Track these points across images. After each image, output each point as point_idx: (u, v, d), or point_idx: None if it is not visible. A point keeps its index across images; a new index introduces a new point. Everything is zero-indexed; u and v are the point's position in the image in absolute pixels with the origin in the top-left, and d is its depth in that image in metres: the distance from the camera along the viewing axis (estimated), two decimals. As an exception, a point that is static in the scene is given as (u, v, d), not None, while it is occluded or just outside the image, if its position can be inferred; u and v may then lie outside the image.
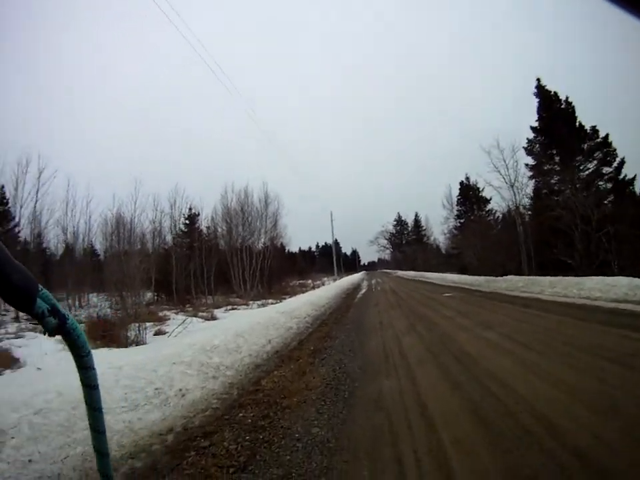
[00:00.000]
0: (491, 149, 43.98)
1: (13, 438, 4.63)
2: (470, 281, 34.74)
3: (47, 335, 0.96)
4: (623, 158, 36.29)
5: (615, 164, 36.60)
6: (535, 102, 42.48)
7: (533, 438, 4.18)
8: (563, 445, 4.00)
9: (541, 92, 41.90)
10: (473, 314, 14.49)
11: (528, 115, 47.03)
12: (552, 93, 41.28)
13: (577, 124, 38.77)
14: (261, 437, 5.02)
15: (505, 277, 29.33)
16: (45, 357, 11.82)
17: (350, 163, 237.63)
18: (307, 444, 4.69)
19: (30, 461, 4.36)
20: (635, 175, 36.78)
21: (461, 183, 69.00)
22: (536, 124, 42.31)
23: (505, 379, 6.35)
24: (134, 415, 5.60)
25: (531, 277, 26.22)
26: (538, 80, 42.19)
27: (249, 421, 5.59)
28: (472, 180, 65.96)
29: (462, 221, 66.21)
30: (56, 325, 0.92)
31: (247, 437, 5.02)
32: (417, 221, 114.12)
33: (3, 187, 40.90)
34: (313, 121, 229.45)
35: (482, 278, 33.49)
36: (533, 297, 18.83)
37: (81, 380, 1.07)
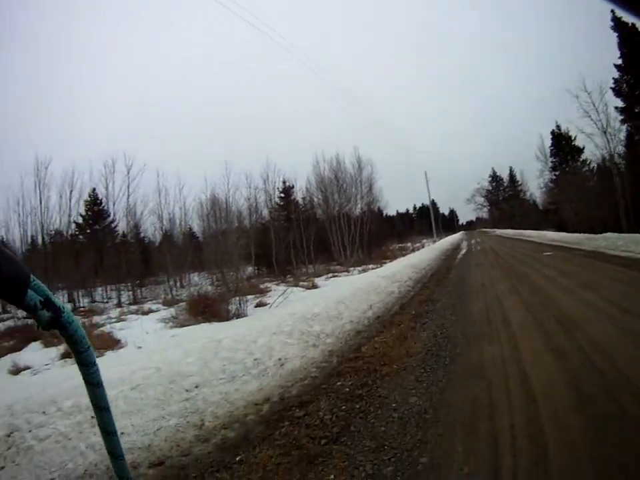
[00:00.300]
0: (578, 92, 41.22)
1: (108, 413, 4.78)
2: (569, 239, 33.01)
3: (39, 329, 0.89)
4: None
5: None
6: (614, 38, 38.81)
7: (633, 421, 3.86)
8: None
9: (618, 24, 37.96)
10: (574, 274, 13.91)
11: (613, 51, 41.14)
12: (629, 24, 36.74)
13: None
14: (357, 406, 5.03)
15: (604, 234, 27.85)
16: (145, 336, 12.24)
17: (441, 119, 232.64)
18: (403, 414, 4.65)
19: (122, 433, 4.53)
20: None
21: (552, 132, 64.15)
22: (619, 61, 38.90)
23: (607, 348, 6.00)
24: (231, 386, 5.76)
25: (631, 235, 24.83)
26: (612, 11, 36.68)
27: (347, 389, 5.62)
28: (563, 128, 61.73)
29: (557, 173, 62.62)
30: (50, 319, 0.85)
31: (343, 407, 5.04)
32: (511, 175, 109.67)
33: (94, 189, 44.33)
34: (401, 80, 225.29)
35: (581, 235, 32.07)
36: (634, 257, 17.64)
37: (83, 377, 1.02)
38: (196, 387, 5.64)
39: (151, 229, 46.85)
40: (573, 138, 58.44)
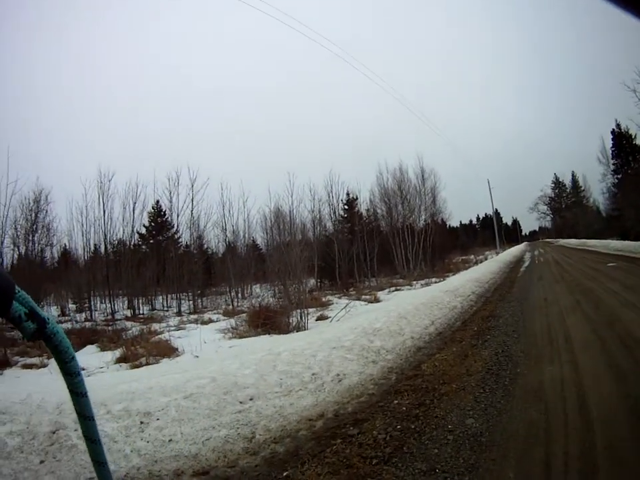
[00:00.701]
0: (635, 85, 39.47)
1: (157, 419, 4.87)
2: (634, 247, 31.99)
3: (25, 340, 0.93)
4: None
5: None
6: None
7: None
8: None
9: None
10: (640, 287, 13.11)
11: None
12: None
13: None
14: (413, 426, 4.95)
15: (669, 242, 25.50)
16: (203, 345, 12.29)
17: (502, 128, 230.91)
18: (458, 436, 4.56)
19: (170, 440, 4.71)
20: None
21: (613, 132, 60.97)
22: None
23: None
24: (286, 400, 5.78)
25: (698, 242, 24.12)
26: None
27: (404, 408, 5.54)
28: (623, 127, 58.78)
29: (619, 176, 59.32)
30: (34, 330, 0.87)
31: (398, 426, 4.96)
32: (574, 181, 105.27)
33: (158, 201, 45.81)
34: (464, 90, 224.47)
35: (647, 242, 29.74)
36: None
37: (68, 387, 1.03)
38: (250, 399, 5.68)
39: (215, 241, 47.53)
40: (633, 137, 55.85)
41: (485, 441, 4.38)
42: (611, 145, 60.84)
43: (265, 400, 5.69)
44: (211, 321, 21.82)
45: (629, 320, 9.21)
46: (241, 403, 5.60)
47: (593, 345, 7.64)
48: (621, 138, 58.82)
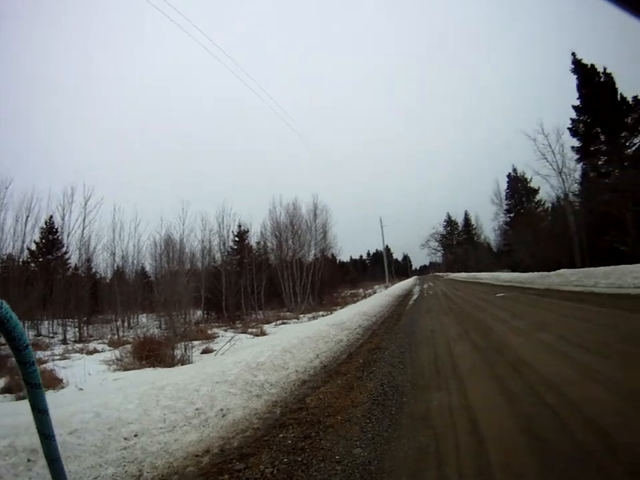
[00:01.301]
0: (536, 135, 42.78)
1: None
2: (522, 278, 34.22)
3: None
4: (671, 126, 34.22)
5: (664, 133, 34.60)
6: (573, 80, 40.79)
7: (595, 463, 3.76)
8: (625, 465, 3.63)
9: (578, 67, 40.28)
10: (527, 314, 14.23)
11: (570, 95, 43.83)
12: (589, 66, 39.70)
13: (619, 96, 37.29)
14: (300, 459, 4.84)
15: (557, 271, 28.72)
16: (88, 377, 11.89)
17: (397, 168, 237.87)
18: (347, 466, 4.49)
19: None
20: None
21: (509, 175, 68.37)
22: (577, 102, 40.73)
23: (562, 388, 5.98)
24: (171, 436, 5.62)
25: (584, 269, 25.74)
26: (573, 54, 40.74)
27: (289, 441, 5.44)
28: (519, 171, 65.42)
29: (511, 215, 65.89)
30: None
31: (285, 460, 4.86)
32: (467, 219, 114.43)
33: (51, 216, 43.04)
34: (354, 130, 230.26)
35: (535, 274, 33.01)
36: (587, 291, 18.40)
37: (22, 377, 0.97)
38: (135, 435, 5.49)
39: (103, 265, 45.52)
40: (528, 180, 62.31)
41: (374, 469, 4.34)
42: (505, 187, 68.78)
43: (150, 436, 5.51)
44: (96, 351, 21.35)
45: (517, 345, 9.68)
46: (125, 439, 5.42)
47: (482, 371, 7.86)
48: (516, 181, 66.29)
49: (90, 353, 20.84)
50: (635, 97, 36.41)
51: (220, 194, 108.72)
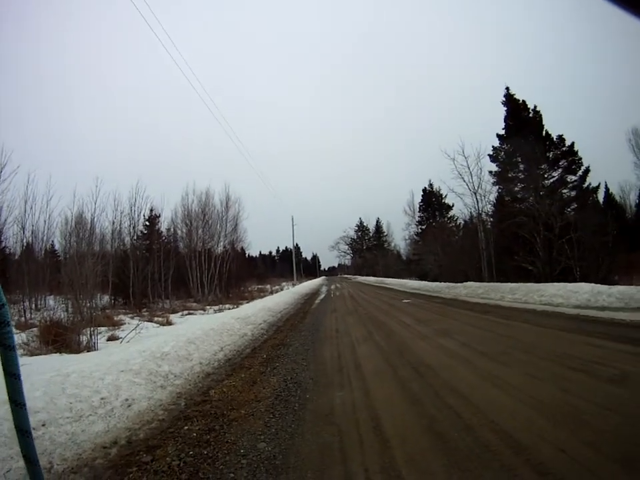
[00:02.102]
0: (456, 155, 43.44)
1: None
2: (430, 287, 35.39)
3: None
4: (588, 166, 37.07)
5: (580, 172, 37.33)
6: (502, 111, 43.10)
7: (493, 457, 4.03)
8: (526, 460, 3.88)
9: (509, 100, 42.46)
10: (432, 321, 14.66)
11: (495, 125, 48.06)
12: (520, 101, 41.91)
13: (544, 132, 39.35)
14: (205, 452, 4.89)
15: (464, 283, 29.76)
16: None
17: (313, 169, 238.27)
18: (252, 460, 4.55)
19: None
20: (599, 184, 38.63)
21: (424, 190, 70.60)
22: (502, 132, 42.85)
23: (464, 391, 6.25)
24: (78, 427, 5.42)
25: (491, 284, 26.73)
26: (507, 88, 42.80)
27: (194, 434, 5.45)
28: (435, 187, 67.84)
29: (423, 227, 67.73)
30: None
31: (191, 452, 4.89)
32: (378, 226, 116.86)
33: None
34: (279, 127, 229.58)
35: (442, 284, 34.03)
36: (493, 304, 19.19)
37: None
38: (43, 424, 5.20)
39: (13, 239, 41.60)
40: (443, 196, 65.10)
41: (279, 463, 4.41)
42: (420, 200, 71.33)
43: (57, 426, 5.23)
44: None
45: (420, 348, 10.02)
46: (33, 429, 5.17)
47: (385, 372, 8.06)
48: (431, 195, 69.28)
49: None
50: (559, 136, 38.70)
51: (135, 174, 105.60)
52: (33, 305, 35.53)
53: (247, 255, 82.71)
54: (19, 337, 14.97)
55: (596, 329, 10.54)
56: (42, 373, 7.17)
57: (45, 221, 42.07)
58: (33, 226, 41.37)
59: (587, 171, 36.99)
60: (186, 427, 5.74)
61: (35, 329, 16.61)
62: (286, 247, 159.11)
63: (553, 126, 40.23)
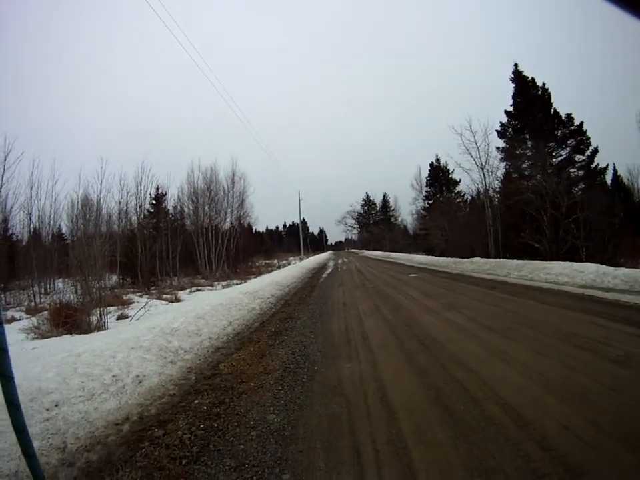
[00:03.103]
0: (463, 130, 42.96)
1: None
2: (436, 262, 35.34)
3: None
4: (597, 147, 36.74)
5: (588, 152, 37.01)
6: (511, 88, 42.55)
7: (498, 430, 4.10)
8: (530, 435, 3.94)
9: (518, 77, 41.92)
10: (439, 295, 14.67)
11: (502, 102, 46.95)
12: (529, 78, 41.34)
13: (552, 110, 38.94)
14: (216, 424, 4.96)
15: (471, 258, 29.68)
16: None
17: (320, 143, 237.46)
18: (262, 432, 4.63)
19: None
20: (607, 165, 37.84)
21: (431, 164, 69.82)
22: (510, 109, 42.40)
23: (470, 364, 6.30)
24: (90, 405, 5.47)
25: (498, 260, 26.59)
26: (515, 65, 42.24)
27: (205, 407, 5.52)
28: (442, 162, 66.89)
29: (430, 202, 67.10)
30: None
31: (201, 425, 4.96)
32: (385, 201, 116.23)
33: None
34: (284, 102, 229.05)
35: (449, 259, 34.10)
36: (499, 280, 19.14)
37: None
38: (56, 405, 5.27)
39: (19, 226, 41.52)
40: (450, 171, 64.52)
41: (288, 434, 4.51)
42: (427, 175, 70.60)
43: (70, 405, 5.29)
44: (13, 319, 20.25)
45: (427, 322, 10.03)
46: (47, 410, 5.15)
47: (392, 344, 8.12)
48: (438, 170, 68.20)
49: (8, 321, 19.84)
50: (568, 114, 38.20)
51: (140, 153, 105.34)
52: (43, 289, 35.71)
53: (253, 230, 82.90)
54: (29, 321, 15.09)
55: (601, 309, 10.51)
56: (53, 355, 7.22)
57: (51, 205, 42.02)
58: (39, 211, 41.27)
59: (596, 151, 36.70)
60: (196, 401, 5.80)
61: (45, 312, 16.68)
62: (292, 222, 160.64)
63: (561, 106, 39.55)
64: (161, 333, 8.69)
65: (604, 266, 16.49)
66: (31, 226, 41.35)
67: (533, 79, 41.10)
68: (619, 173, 44.77)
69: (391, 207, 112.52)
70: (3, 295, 32.87)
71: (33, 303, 28.18)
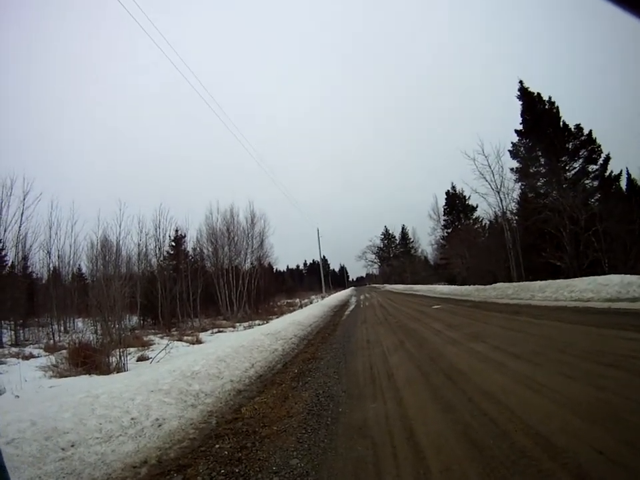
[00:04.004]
0: (475, 155, 43.59)
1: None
2: (459, 291, 35.12)
3: None
4: (608, 154, 36.76)
5: (601, 161, 36.99)
6: (518, 105, 42.65)
7: (530, 462, 3.91)
8: (564, 465, 3.75)
9: (524, 94, 42.09)
10: (463, 325, 14.50)
11: (512, 120, 46.01)
12: (535, 94, 41.48)
13: (561, 123, 38.98)
14: (237, 470, 4.81)
15: (493, 285, 29.48)
16: (24, 383, 11.58)
17: (337, 179, 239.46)
18: (284, 477, 4.48)
19: None
20: (621, 171, 37.62)
21: (447, 192, 70.11)
22: (520, 127, 42.48)
23: (497, 395, 6.13)
24: (107, 447, 5.44)
25: (520, 283, 26.42)
26: (520, 82, 42.44)
27: (226, 452, 5.39)
28: (458, 189, 67.32)
29: (449, 230, 67.31)
30: None
31: (222, 471, 4.82)
32: (404, 233, 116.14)
33: None
34: (299, 141, 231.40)
35: (471, 287, 33.87)
36: (523, 303, 19.02)
37: None
38: (72, 445, 5.29)
39: (39, 265, 42.75)
40: (466, 197, 64.67)
41: (312, 479, 4.35)
42: (444, 204, 70.86)
43: (87, 446, 5.30)
44: (32, 356, 20.77)
45: (451, 354, 9.88)
46: (62, 449, 5.19)
47: (417, 380, 7.96)
48: (454, 198, 68.58)
49: (26, 358, 20.33)
50: (577, 125, 38.26)
51: (158, 196, 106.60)
52: (62, 328, 36.32)
53: (274, 270, 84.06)
54: (48, 359, 15.12)
55: (628, 321, 10.44)
56: (71, 395, 7.21)
57: (70, 245, 43.16)
58: (59, 250, 42.27)
59: (608, 158, 36.66)
60: (217, 445, 5.69)
61: (63, 351, 16.75)
62: (313, 260, 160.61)
63: (569, 114, 39.65)
64: (182, 376, 8.69)
65: (628, 275, 16.54)
66: (51, 265, 42.24)
67: (539, 94, 41.41)
68: (632, 176, 44.72)
69: (410, 238, 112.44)
70: (21, 331, 33.11)
71: (51, 341, 28.51)
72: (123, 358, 14.44)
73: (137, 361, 16.32)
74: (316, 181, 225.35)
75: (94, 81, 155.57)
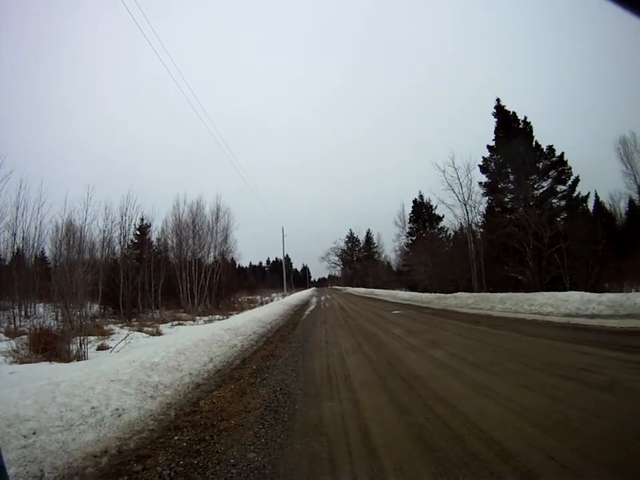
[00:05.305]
0: (446, 167, 43.49)
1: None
2: (420, 298, 35.52)
3: None
4: (578, 176, 37.44)
5: (570, 182, 37.63)
6: (493, 122, 43.36)
7: (482, 465, 4.05)
8: (515, 468, 3.91)
9: (500, 111, 42.81)
10: (422, 332, 14.68)
11: (485, 136, 46.43)
12: (511, 112, 42.23)
13: (534, 143, 39.64)
14: (195, 461, 4.90)
15: (454, 294, 29.95)
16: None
17: (304, 181, 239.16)
18: (242, 470, 4.57)
19: None
20: (588, 193, 38.72)
21: (414, 201, 70.71)
22: (493, 143, 43.07)
23: (453, 401, 6.28)
24: (69, 435, 5.43)
25: (481, 294, 26.97)
26: (498, 100, 43.14)
27: (184, 444, 5.46)
28: (425, 198, 67.80)
29: (413, 238, 67.77)
30: None
31: (181, 462, 4.90)
32: (368, 237, 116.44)
33: None
34: (268, 140, 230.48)
35: (432, 295, 34.37)
36: (483, 314, 19.34)
37: None
38: (34, 433, 5.23)
39: (4, 245, 40.43)
40: (433, 207, 64.74)
41: (269, 473, 4.44)
42: (410, 211, 71.49)
43: (48, 434, 5.25)
44: None
45: (409, 360, 10.03)
46: (24, 437, 5.11)
47: (374, 383, 8.08)
48: (421, 207, 69.29)
49: None
50: (549, 146, 38.91)
51: (126, 183, 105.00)
52: (23, 312, 35.13)
53: (237, 265, 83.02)
54: (8, 344, 14.89)
55: (585, 336, 10.72)
56: (32, 381, 7.16)
57: (35, 228, 40.81)
58: (24, 232, 40.18)
59: (577, 180, 37.37)
60: (176, 437, 5.76)
61: (24, 336, 16.44)
62: (276, 258, 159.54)
63: (542, 136, 40.49)
64: (141, 367, 8.67)
65: (588, 293, 16.83)
66: (15, 246, 40.32)
67: (514, 113, 42.08)
68: (600, 199, 45.99)
69: (374, 243, 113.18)
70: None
71: (12, 325, 27.63)
72: (83, 346, 14.22)
73: (97, 349, 16.02)
74: (286, 183, 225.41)
75: (66, 61, 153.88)
